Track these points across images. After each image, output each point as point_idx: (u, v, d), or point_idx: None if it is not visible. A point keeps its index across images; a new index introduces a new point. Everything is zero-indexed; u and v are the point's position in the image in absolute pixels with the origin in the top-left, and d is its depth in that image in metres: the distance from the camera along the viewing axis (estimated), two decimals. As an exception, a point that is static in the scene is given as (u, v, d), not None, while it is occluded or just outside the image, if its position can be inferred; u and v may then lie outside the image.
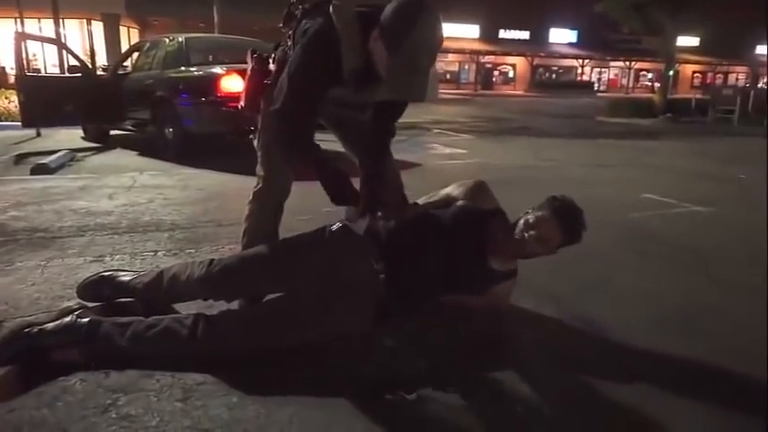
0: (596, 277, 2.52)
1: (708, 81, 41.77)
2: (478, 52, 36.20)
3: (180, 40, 6.37)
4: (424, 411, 1.47)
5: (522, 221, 1.89)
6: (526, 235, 1.84)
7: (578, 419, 1.48)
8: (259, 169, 2.05)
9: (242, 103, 2.06)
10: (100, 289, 1.92)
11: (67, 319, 1.63)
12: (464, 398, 1.53)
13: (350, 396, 1.52)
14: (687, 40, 32.53)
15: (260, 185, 2.04)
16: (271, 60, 1.99)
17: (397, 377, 1.60)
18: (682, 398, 1.58)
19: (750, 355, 1.83)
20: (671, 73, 17.01)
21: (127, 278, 1.92)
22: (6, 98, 9.16)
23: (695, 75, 43.30)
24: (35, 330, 1.59)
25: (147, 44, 7.18)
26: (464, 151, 7.28)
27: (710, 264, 2.82)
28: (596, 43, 37.07)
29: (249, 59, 2.06)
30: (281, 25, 1.91)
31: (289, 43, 1.87)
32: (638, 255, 2.94)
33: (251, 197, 2.07)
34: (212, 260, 1.83)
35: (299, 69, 1.69)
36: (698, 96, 17.33)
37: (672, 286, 2.48)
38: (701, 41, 35.89)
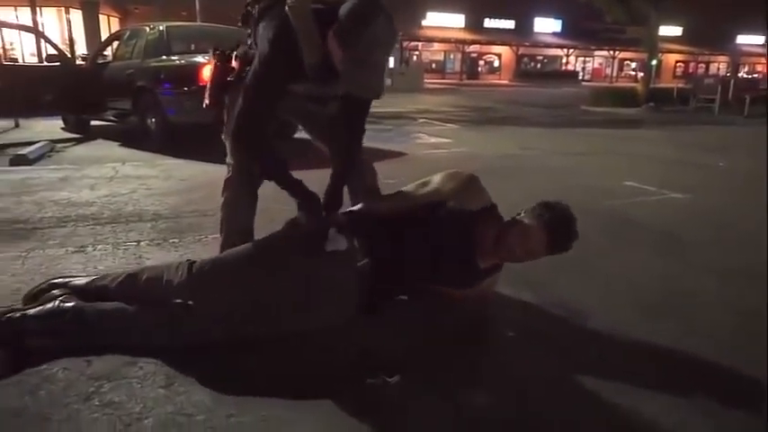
0: (574, 262, 2.54)
1: (690, 71, 42.20)
2: (464, 41, 36.14)
3: (161, 28, 6.28)
4: (405, 395, 1.50)
5: (512, 228, 1.83)
6: (516, 249, 1.80)
7: (557, 402, 1.52)
8: (229, 158, 2.10)
9: (206, 100, 2.09)
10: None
11: (50, 304, 1.63)
12: (445, 381, 1.57)
13: (332, 379, 1.54)
14: (670, 30, 32.85)
15: (230, 174, 2.10)
16: (233, 57, 2.03)
17: (378, 361, 1.63)
18: (657, 380, 1.63)
19: (724, 337, 1.89)
20: (654, 62, 17.16)
21: (81, 281, 1.80)
22: (-17, 88, 8.96)
23: (678, 64, 43.70)
24: (17, 315, 1.59)
25: (128, 33, 7.06)
26: (449, 140, 7.31)
27: (687, 249, 2.88)
28: (581, 33, 37.20)
29: (212, 57, 2.09)
30: (239, 25, 1.96)
31: (249, 41, 1.92)
32: (616, 240, 2.99)
33: (223, 186, 2.10)
34: (191, 264, 1.72)
35: (261, 66, 1.74)
36: (680, 86, 17.51)
37: (648, 271, 2.54)
38: (683, 31, 36.29)
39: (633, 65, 42.18)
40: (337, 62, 1.66)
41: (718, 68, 43.97)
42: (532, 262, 1.86)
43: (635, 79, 33.23)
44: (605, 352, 1.78)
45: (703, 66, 44.89)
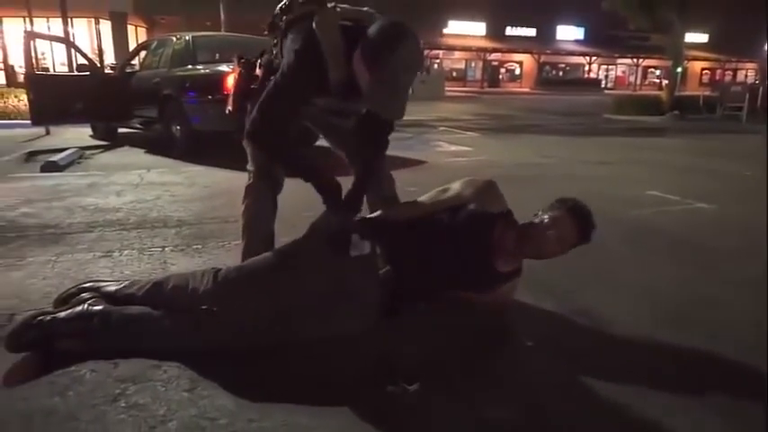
0: (597, 272, 2.54)
1: (717, 78, 41.41)
2: (485, 50, 36.09)
3: (187, 38, 6.43)
4: (424, 402, 1.50)
5: (537, 221, 1.88)
6: (546, 234, 1.83)
7: (576, 411, 1.51)
8: (249, 165, 2.14)
9: (229, 107, 2.14)
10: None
11: (79, 307, 1.67)
12: (465, 390, 1.57)
13: (353, 386, 1.55)
14: (696, 37, 32.32)
15: (251, 181, 2.14)
16: (257, 65, 2.07)
17: (399, 368, 1.63)
18: (680, 390, 1.60)
19: (749, 348, 1.85)
20: (679, 70, 16.89)
21: (111, 288, 1.81)
22: (16, 97, 9.26)
23: (704, 72, 42.97)
24: (48, 318, 1.63)
25: (155, 43, 7.25)
26: (469, 148, 7.30)
27: (712, 259, 2.83)
28: (603, 40, 36.85)
29: (236, 65, 2.13)
30: (265, 33, 2.00)
31: (274, 51, 1.96)
32: (639, 250, 2.95)
33: (244, 193, 2.14)
34: (216, 272, 1.75)
35: (285, 77, 1.78)
36: (706, 93, 17.20)
37: (672, 280, 2.50)
38: (709, 38, 35.66)
39: (657, 72, 41.62)
40: (362, 83, 1.70)
41: (746, 76, 43.04)
42: (554, 270, 1.86)
43: (659, 87, 32.77)
44: (627, 362, 1.76)
45: (730, 73, 44.04)
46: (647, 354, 1.83)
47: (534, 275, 2.20)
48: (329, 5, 1.86)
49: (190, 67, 5.97)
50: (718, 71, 43.54)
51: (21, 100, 8.89)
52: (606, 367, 1.72)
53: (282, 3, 1.94)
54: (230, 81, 5.14)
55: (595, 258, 2.66)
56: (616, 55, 39.44)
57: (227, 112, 2.17)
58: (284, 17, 1.90)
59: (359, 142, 2.07)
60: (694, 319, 2.10)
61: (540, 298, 2.18)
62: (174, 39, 6.59)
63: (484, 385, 1.61)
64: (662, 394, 1.57)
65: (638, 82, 41.54)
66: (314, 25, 1.75)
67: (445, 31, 34.28)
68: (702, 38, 35.07)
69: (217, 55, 6.34)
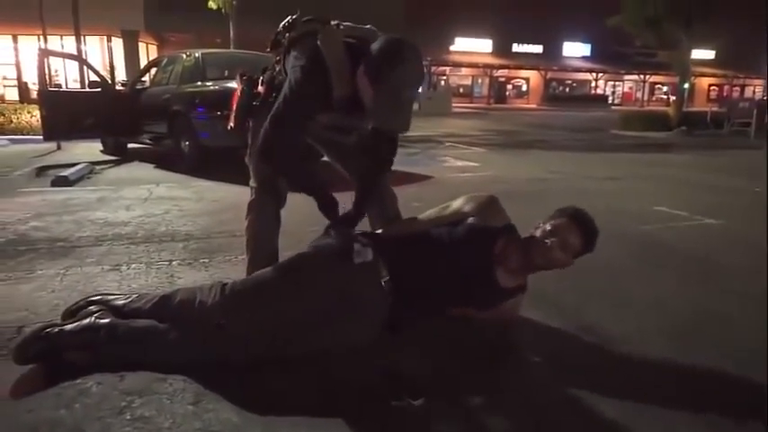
0: (604, 288, 2.53)
1: (724, 94, 41.34)
2: (491, 66, 36.29)
3: (197, 55, 6.53)
4: (429, 418, 1.49)
5: (538, 231, 1.90)
6: (548, 242, 1.85)
7: (580, 428, 1.49)
8: (252, 182, 2.17)
9: (231, 123, 2.17)
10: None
11: (87, 320, 1.69)
12: (469, 405, 1.56)
13: (356, 401, 1.55)
14: (703, 53, 32.36)
15: (253, 197, 2.16)
16: (259, 82, 2.10)
17: (404, 383, 1.63)
18: (685, 408, 1.58)
19: (757, 365, 1.82)
20: (686, 86, 16.92)
21: (119, 302, 1.81)
22: (29, 113, 9.41)
23: (711, 88, 42.89)
24: (55, 331, 1.65)
25: (165, 60, 7.36)
26: (476, 164, 7.32)
27: (720, 275, 2.81)
28: (610, 57, 36.97)
29: (238, 82, 2.16)
30: (268, 50, 2.04)
31: (277, 68, 2.00)
32: (647, 266, 2.94)
33: (247, 209, 2.15)
34: (224, 285, 1.76)
35: (295, 89, 1.81)
36: (714, 109, 17.19)
37: (680, 297, 2.48)
38: (716, 54, 35.66)
39: (665, 89, 41.61)
40: (366, 98, 1.73)
41: (754, 92, 42.91)
42: (561, 287, 1.85)
43: (666, 103, 32.77)
44: (634, 379, 1.74)
45: (738, 89, 43.96)
46: (653, 371, 1.81)
47: (541, 291, 2.20)
48: (332, 24, 1.90)
49: (199, 83, 6.05)
50: (726, 87, 43.45)
51: (33, 115, 9.04)
52: (611, 384, 1.71)
53: (285, 21, 1.98)
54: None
55: (602, 274, 2.66)
56: (623, 71, 39.51)
57: (228, 128, 2.20)
58: (287, 34, 1.93)
59: (363, 160, 2.09)
60: (702, 335, 2.08)
61: (547, 314, 2.17)
62: (184, 56, 6.69)
63: (489, 401, 1.60)
64: (667, 412, 1.56)
65: (645, 98, 41.56)
66: (318, 42, 1.79)
67: (452, 48, 34.55)
68: (709, 54, 35.09)
69: (225, 71, 6.43)
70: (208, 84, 5.98)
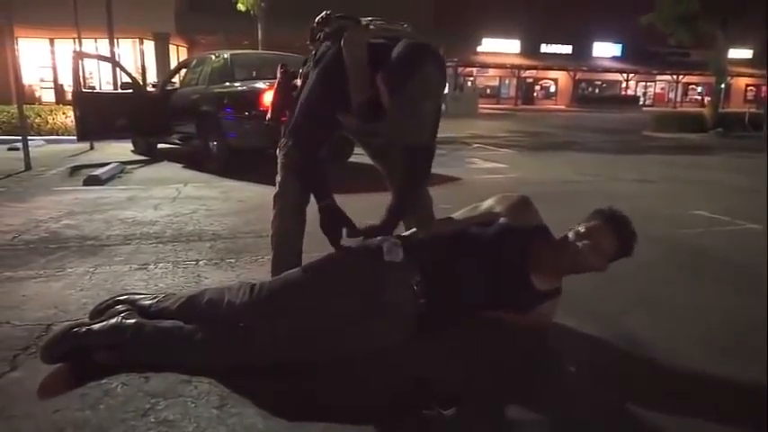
0: (642, 294, 2.42)
1: (763, 94, 39.99)
2: (519, 67, 35.88)
3: (225, 56, 6.58)
4: (459, 427, 1.43)
5: (571, 233, 1.83)
6: (580, 245, 1.77)
7: (623, 443, 1.41)
8: (278, 175, 2.13)
9: (269, 115, 2.15)
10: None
11: (113, 320, 1.67)
12: (501, 415, 1.49)
13: (385, 410, 1.50)
14: (740, 53, 31.39)
15: (278, 190, 2.12)
16: (297, 75, 2.08)
17: (434, 391, 1.57)
18: (730, 423, 1.49)
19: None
20: (722, 86, 16.39)
21: (146, 302, 1.81)
22: (64, 113, 9.64)
23: (749, 88, 41.56)
24: (83, 330, 1.64)
25: (195, 61, 7.45)
26: (504, 166, 7.20)
27: (764, 283, 2.66)
28: (642, 57, 36.17)
29: (278, 73, 2.15)
30: (308, 42, 2.01)
31: (311, 63, 1.96)
32: (686, 272, 2.81)
33: (273, 202, 2.15)
34: (253, 285, 1.74)
35: (311, 94, 1.80)
36: (752, 110, 16.61)
37: (722, 305, 2.36)
38: (754, 53, 34.52)
39: (699, 89, 40.50)
40: (386, 103, 1.67)
41: (794, 92, 41.49)
42: (598, 293, 1.77)
43: (701, 104, 31.88)
44: (671, 390, 1.65)
45: (777, 90, 42.52)
46: (692, 383, 1.71)
47: (577, 297, 2.12)
48: (364, 21, 1.85)
49: (227, 84, 6.09)
50: (764, 87, 42.05)
51: (68, 116, 9.25)
52: (649, 396, 1.61)
53: (320, 15, 1.94)
54: (267, 99, 5.27)
55: (640, 279, 2.56)
56: (655, 71, 38.60)
57: (266, 120, 2.19)
58: (322, 30, 1.90)
59: (399, 172, 2.03)
60: (744, 348, 1.96)
61: (583, 321, 2.08)
62: (213, 57, 6.76)
63: (522, 411, 1.52)
64: (707, 425, 1.47)
65: (679, 99, 40.50)
66: (342, 42, 1.74)
67: (479, 48, 34.28)
68: (747, 53, 34.00)
69: (254, 72, 6.47)
70: (236, 84, 6.02)
